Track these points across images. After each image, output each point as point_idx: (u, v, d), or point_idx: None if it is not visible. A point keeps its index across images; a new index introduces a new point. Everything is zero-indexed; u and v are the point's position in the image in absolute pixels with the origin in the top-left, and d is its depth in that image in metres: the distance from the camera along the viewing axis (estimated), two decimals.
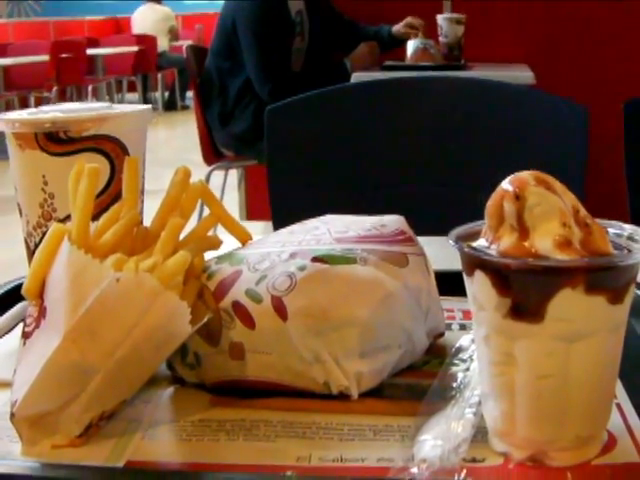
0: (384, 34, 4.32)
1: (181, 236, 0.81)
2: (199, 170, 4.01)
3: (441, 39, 4.18)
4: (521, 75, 3.64)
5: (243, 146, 4.12)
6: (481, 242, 0.66)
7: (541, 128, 1.80)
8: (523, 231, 0.63)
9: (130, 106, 1.00)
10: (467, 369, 0.80)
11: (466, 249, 0.65)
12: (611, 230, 0.68)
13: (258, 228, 4.37)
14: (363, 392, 0.78)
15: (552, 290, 0.62)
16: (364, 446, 0.71)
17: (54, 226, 0.77)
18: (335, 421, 0.75)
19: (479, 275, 0.64)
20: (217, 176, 4.45)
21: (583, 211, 0.65)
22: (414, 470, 0.65)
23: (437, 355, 0.86)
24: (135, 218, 0.81)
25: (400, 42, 4.24)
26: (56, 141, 0.90)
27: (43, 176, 0.92)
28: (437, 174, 1.84)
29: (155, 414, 0.78)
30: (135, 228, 0.81)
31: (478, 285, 0.65)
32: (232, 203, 4.89)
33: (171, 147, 9.24)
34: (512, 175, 0.65)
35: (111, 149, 0.92)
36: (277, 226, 1.74)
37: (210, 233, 0.86)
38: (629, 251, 0.66)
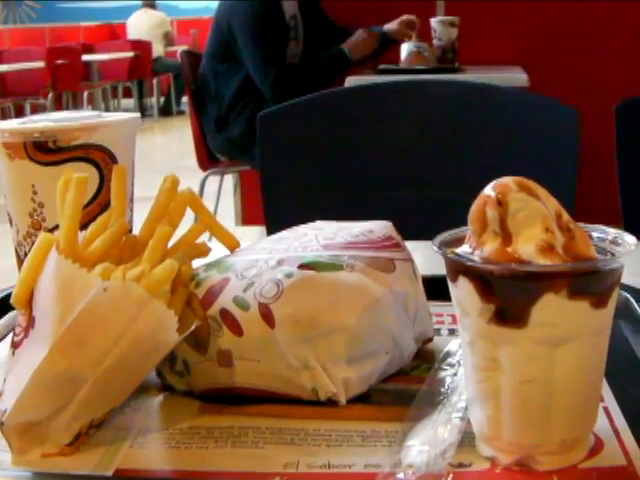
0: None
1: (170, 243, 0.82)
2: (194, 175, 4.02)
3: (435, 42, 4.18)
4: (515, 77, 3.65)
5: (238, 151, 4.12)
6: (465, 248, 0.66)
7: (533, 130, 1.80)
8: (506, 237, 0.63)
9: (119, 115, 1.00)
10: (455, 374, 0.80)
11: (449, 255, 0.65)
12: (595, 234, 0.68)
13: (254, 233, 4.37)
14: (351, 398, 0.79)
15: (535, 295, 0.62)
16: (352, 452, 0.71)
17: (42, 235, 0.78)
18: (323, 427, 0.75)
19: (463, 281, 0.65)
20: (212, 182, 4.45)
21: (566, 216, 0.65)
22: (400, 476, 0.65)
23: (426, 360, 0.86)
24: (123, 227, 0.81)
25: (393, 42, 4.22)
26: (45, 150, 0.91)
27: (32, 185, 0.92)
28: (430, 178, 1.84)
29: (144, 422, 0.78)
30: (123, 237, 0.82)
31: (462, 291, 0.65)
32: (227, 208, 4.89)
33: (166, 152, 9.25)
34: (494, 181, 0.65)
35: (100, 158, 0.92)
36: (270, 232, 1.75)
37: (199, 240, 0.87)
38: (612, 255, 0.66)
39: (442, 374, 0.81)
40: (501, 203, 0.64)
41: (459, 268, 0.65)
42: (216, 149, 4.26)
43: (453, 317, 0.96)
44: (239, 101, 4.12)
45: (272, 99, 3.88)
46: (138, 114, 1.01)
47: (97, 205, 0.91)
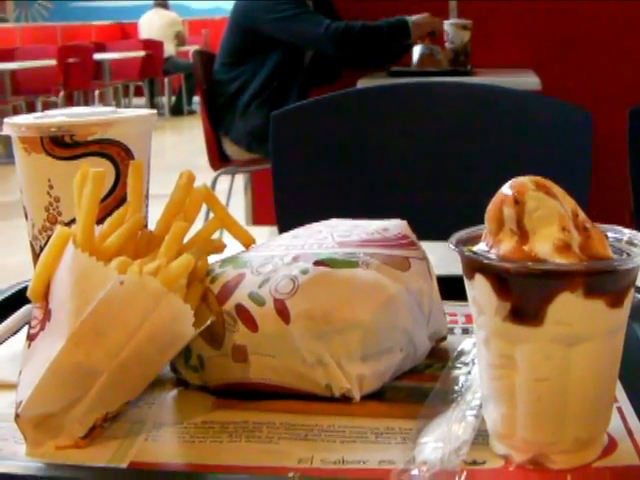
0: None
1: (185, 239, 0.82)
2: (205, 175, 4.02)
3: (447, 45, 4.18)
4: (527, 81, 3.65)
5: (256, 142, 4.12)
6: (481, 246, 0.67)
7: (546, 133, 1.80)
8: (523, 235, 0.64)
9: (135, 110, 1.01)
10: (469, 372, 0.81)
11: (466, 253, 0.66)
12: (610, 234, 0.68)
13: (264, 233, 4.37)
14: (365, 395, 0.79)
15: (551, 294, 0.62)
16: (366, 448, 0.71)
17: (59, 229, 0.78)
18: (337, 423, 0.75)
19: (479, 279, 0.65)
20: (223, 182, 4.45)
21: (582, 215, 0.65)
22: (415, 472, 0.65)
23: (439, 359, 0.86)
24: (139, 222, 0.82)
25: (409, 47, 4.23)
26: (62, 145, 0.91)
27: (49, 180, 0.92)
28: (442, 179, 1.84)
29: (159, 416, 0.78)
30: (139, 231, 0.82)
31: (478, 289, 0.65)
32: (238, 208, 4.89)
33: (178, 152, 9.26)
34: (512, 180, 0.66)
35: (116, 153, 0.92)
36: (282, 231, 1.75)
37: (214, 236, 0.87)
38: (628, 255, 0.67)
39: (456, 372, 0.81)
40: (518, 202, 0.64)
41: (476, 266, 0.65)
42: (234, 139, 4.26)
43: (467, 316, 0.96)
44: (262, 93, 4.14)
45: (333, 49, 3.92)
46: (154, 110, 1.02)
47: (113, 200, 0.92)
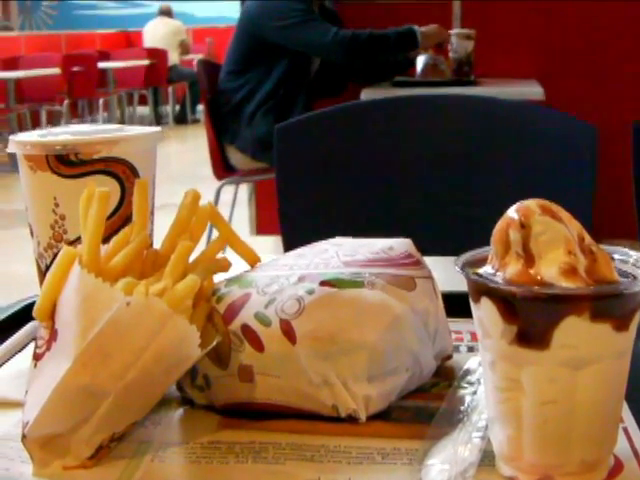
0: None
1: (190, 258, 0.82)
2: (209, 184, 4.03)
3: (451, 55, 4.19)
4: (531, 91, 3.65)
5: (261, 150, 4.13)
6: (487, 269, 0.67)
7: (550, 145, 1.80)
8: (529, 259, 0.64)
9: (140, 128, 1.01)
10: (474, 392, 0.81)
11: (472, 276, 0.66)
12: (617, 256, 0.69)
13: (269, 243, 4.38)
14: (371, 415, 0.79)
15: (558, 317, 0.62)
16: (372, 469, 0.71)
17: (65, 249, 0.78)
18: (343, 444, 0.75)
19: (485, 302, 0.65)
20: (227, 191, 4.46)
21: (588, 239, 0.65)
22: None
23: (445, 378, 0.86)
24: (145, 241, 0.82)
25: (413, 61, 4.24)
26: (67, 163, 0.91)
27: (54, 198, 0.92)
28: (447, 191, 1.84)
29: (165, 436, 0.78)
30: (145, 251, 0.82)
31: (484, 312, 0.65)
32: (242, 218, 4.90)
33: (181, 161, 9.27)
34: (518, 203, 0.66)
35: (121, 171, 0.92)
36: (287, 244, 1.75)
37: (220, 255, 0.87)
38: (634, 278, 0.67)
39: (462, 392, 0.81)
40: (524, 226, 0.64)
41: (482, 289, 0.65)
42: (240, 148, 4.27)
43: (472, 334, 0.96)
44: (268, 101, 4.15)
45: (341, 56, 3.93)
46: (159, 128, 1.02)
47: (118, 218, 0.92)
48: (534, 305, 0.63)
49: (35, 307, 0.78)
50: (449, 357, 0.89)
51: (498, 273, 0.65)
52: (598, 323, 0.63)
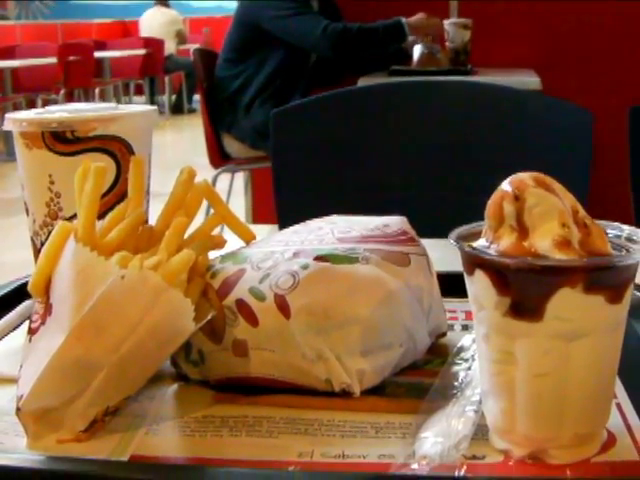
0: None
1: (186, 235, 0.82)
2: (206, 173, 4.02)
3: (447, 44, 4.18)
4: (527, 80, 3.65)
5: (260, 138, 4.13)
6: (481, 242, 0.67)
7: (546, 132, 1.80)
8: (523, 231, 0.64)
9: (136, 106, 1.01)
10: (469, 368, 0.81)
11: (466, 249, 0.66)
12: (610, 231, 0.69)
13: (265, 231, 4.37)
14: (365, 390, 0.79)
15: (551, 289, 0.62)
16: (366, 443, 0.71)
17: (60, 224, 0.78)
18: (337, 418, 0.75)
19: (479, 274, 0.65)
20: (223, 180, 4.45)
21: (582, 212, 0.66)
22: (414, 466, 0.66)
23: (439, 354, 0.87)
24: (140, 217, 0.82)
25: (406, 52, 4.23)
26: (63, 141, 0.91)
27: (50, 175, 0.93)
28: (441, 178, 1.85)
29: (159, 410, 0.79)
30: (140, 227, 0.82)
31: (478, 284, 0.66)
32: (238, 206, 4.90)
33: (178, 150, 9.26)
34: (512, 176, 0.66)
35: (117, 149, 0.93)
36: (283, 229, 1.75)
37: (215, 232, 0.87)
38: (628, 251, 0.67)
39: (455, 368, 0.82)
40: (518, 198, 0.64)
41: (476, 261, 0.65)
42: (238, 137, 4.27)
43: (466, 313, 0.96)
44: (266, 89, 4.15)
45: (330, 51, 3.94)
46: (155, 107, 1.02)
47: (114, 196, 0.92)
48: (527, 277, 0.63)
49: (30, 282, 0.78)
50: (443, 334, 0.89)
51: (492, 245, 0.65)
52: (591, 295, 0.63)
